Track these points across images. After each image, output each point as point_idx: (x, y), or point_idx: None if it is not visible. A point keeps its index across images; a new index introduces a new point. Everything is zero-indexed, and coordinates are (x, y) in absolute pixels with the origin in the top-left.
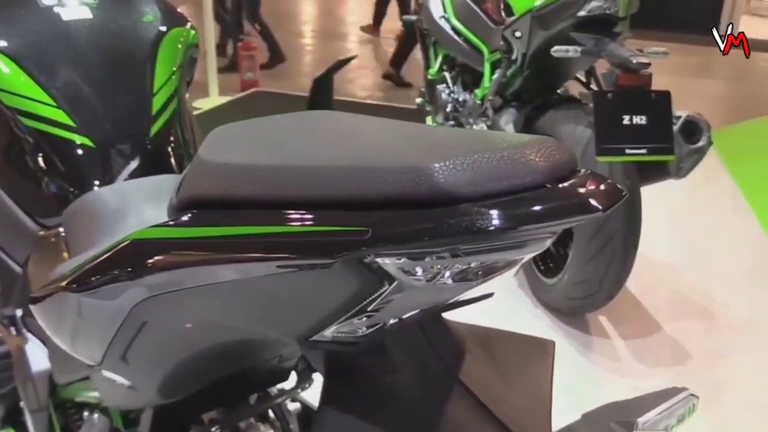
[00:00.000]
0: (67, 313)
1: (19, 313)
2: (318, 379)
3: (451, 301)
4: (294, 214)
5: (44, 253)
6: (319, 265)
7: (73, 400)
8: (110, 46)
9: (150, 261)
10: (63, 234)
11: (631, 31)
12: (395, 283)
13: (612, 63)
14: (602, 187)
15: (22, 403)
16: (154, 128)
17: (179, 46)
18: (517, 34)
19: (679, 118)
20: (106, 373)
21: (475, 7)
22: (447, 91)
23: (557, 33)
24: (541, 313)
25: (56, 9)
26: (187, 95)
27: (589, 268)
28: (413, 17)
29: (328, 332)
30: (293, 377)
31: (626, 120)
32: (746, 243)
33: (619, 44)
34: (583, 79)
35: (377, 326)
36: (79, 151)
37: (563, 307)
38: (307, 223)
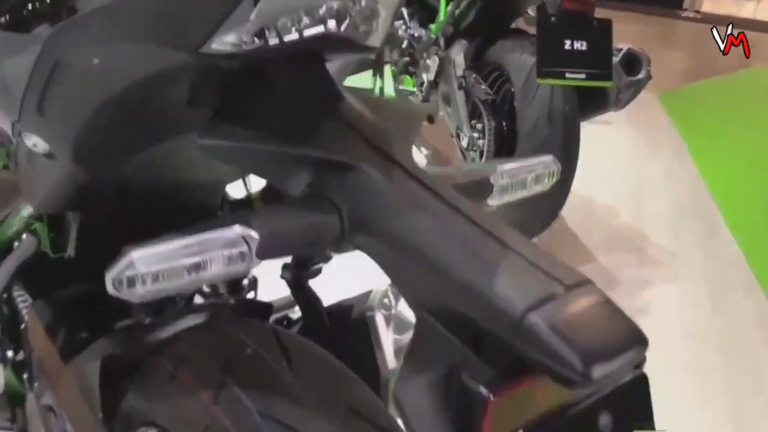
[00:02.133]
0: None
1: None
2: None
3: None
4: None
5: None
6: None
7: (4, 237)
8: None
9: None
10: None
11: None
12: None
13: None
14: None
15: None
16: None
17: None
18: None
19: (620, 50)
20: (26, 138)
21: None
22: (403, 28)
23: None
24: None
25: None
26: None
27: None
28: None
29: (215, 44)
30: None
31: (567, 45)
32: (683, 189)
33: None
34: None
35: (259, 42)
36: None
37: None
38: None
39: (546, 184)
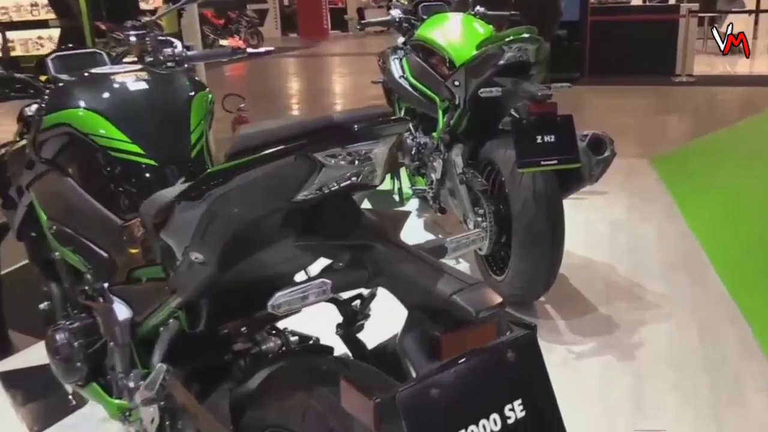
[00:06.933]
0: (176, 218)
1: (106, 285)
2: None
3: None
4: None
5: (125, 237)
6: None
7: (152, 326)
8: (162, 103)
9: (219, 180)
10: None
11: (596, 77)
12: (322, 167)
13: (524, 97)
14: None
15: (106, 360)
16: (193, 153)
17: (203, 103)
18: (456, 83)
19: (586, 135)
20: (192, 254)
21: (427, 66)
22: (411, 138)
23: (485, 79)
24: None
25: (126, 82)
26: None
27: (525, 264)
28: (380, 80)
29: (299, 196)
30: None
31: (539, 139)
32: (674, 242)
33: (530, 83)
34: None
35: (319, 192)
36: (147, 169)
37: (512, 298)
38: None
39: (484, 246)
